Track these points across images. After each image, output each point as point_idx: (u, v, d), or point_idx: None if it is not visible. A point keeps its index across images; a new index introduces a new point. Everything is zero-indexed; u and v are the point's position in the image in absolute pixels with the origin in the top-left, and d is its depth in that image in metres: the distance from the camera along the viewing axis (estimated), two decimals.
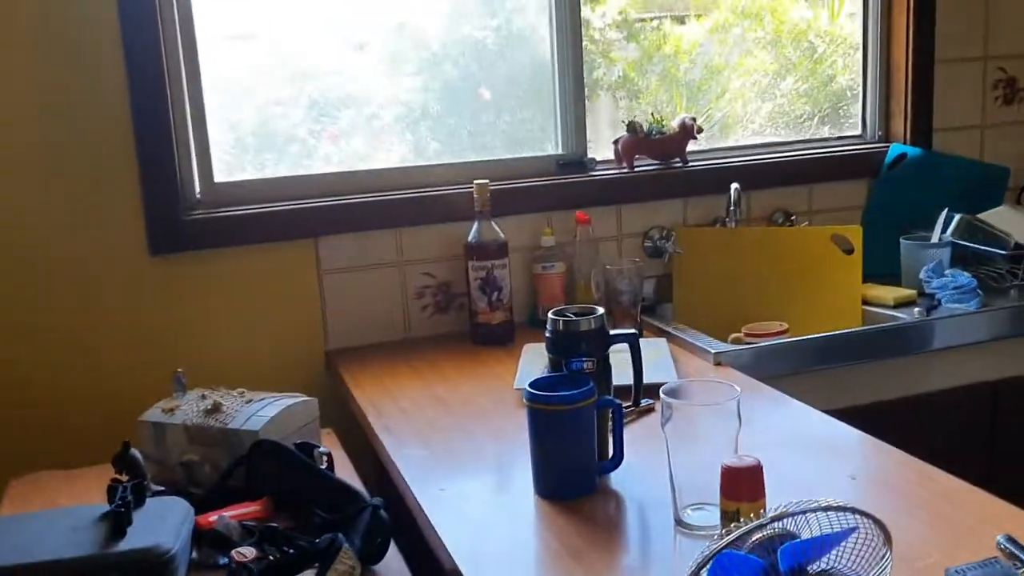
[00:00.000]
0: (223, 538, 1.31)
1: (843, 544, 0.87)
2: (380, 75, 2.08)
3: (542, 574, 1.11)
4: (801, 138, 2.39)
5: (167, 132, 1.84)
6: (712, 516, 1.13)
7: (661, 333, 1.95)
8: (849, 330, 1.93)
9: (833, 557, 0.87)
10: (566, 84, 2.14)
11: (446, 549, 1.16)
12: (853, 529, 0.86)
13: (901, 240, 2.18)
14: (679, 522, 1.16)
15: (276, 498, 1.42)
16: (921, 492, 1.22)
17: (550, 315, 1.34)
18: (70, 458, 1.71)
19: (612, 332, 1.34)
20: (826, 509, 0.85)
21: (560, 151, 2.18)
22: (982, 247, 2.15)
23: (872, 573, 0.89)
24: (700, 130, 2.17)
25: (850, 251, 2.07)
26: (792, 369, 1.81)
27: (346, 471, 1.52)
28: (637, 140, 2.16)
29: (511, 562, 1.13)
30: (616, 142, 2.18)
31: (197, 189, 1.93)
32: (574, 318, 1.32)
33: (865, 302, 2.08)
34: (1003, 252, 2.14)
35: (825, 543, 0.85)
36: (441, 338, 2.03)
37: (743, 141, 2.36)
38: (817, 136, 2.41)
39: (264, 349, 1.95)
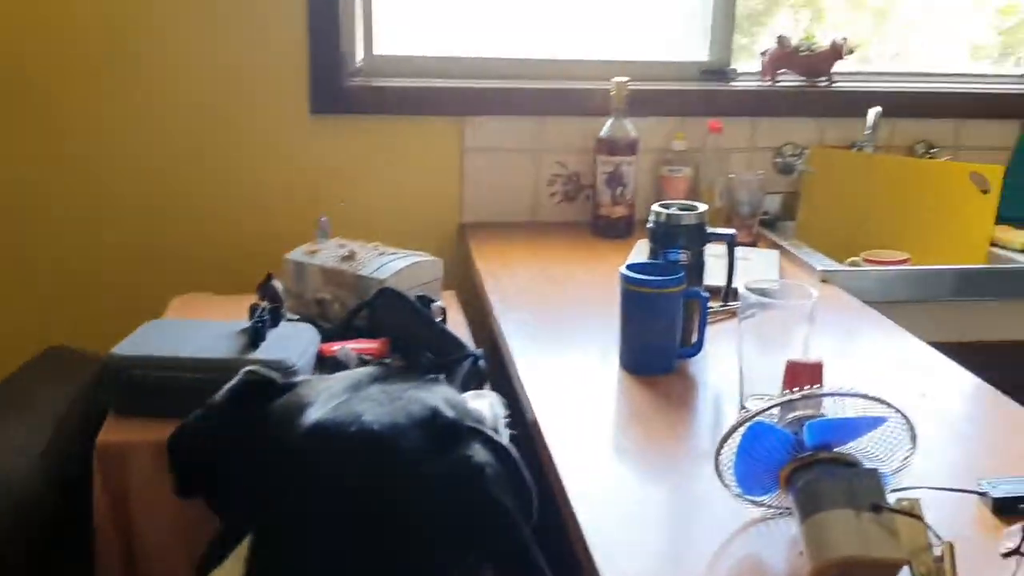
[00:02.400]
0: (341, 365, 1.49)
1: (871, 433, 0.95)
2: None
3: (607, 430, 1.23)
4: (957, 71, 2.33)
5: (335, 1, 1.98)
6: None
7: (775, 247, 2.00)
8: (961, 266, 1.92)
9: (860, 444, 0.95)
10: None
11: (528, 399, 1.30)
12: (882, 420, 0.94)
13: None
14: (742, 407, 1.26)
15: (393, 340, 1.60)
16: (985, 415, 1.27)
17: (654, 207, 1.43)
18: (224, 284, 1.95)
19: (710, 230, 1.42)
20: (857, 395, 0.93)
21: (706, 58, 2.21)
22: None
23: (894, 464, 0.97)
24: (851, 51, 2.16)
25: (987, 190, 2.04)
26: (908, 297, 1.83)
27: (460, 329, 1.68)
28: (784, 54, 2.16)
29: (582, 416, 1.26)
30: (763, 53, 2.20)
31: (359, 58, 2.09)
32: (676, 211, 1.41)
33: (994, 243, 2.06)
34: None
35: (852, 427, 0.93)
36: (565, 225, 2.15)
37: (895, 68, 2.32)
38: (974, 72, 2.34)
39: (405, 212, 2.11)
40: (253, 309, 1.47)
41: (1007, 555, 0.93)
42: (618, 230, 2.05)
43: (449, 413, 0.85)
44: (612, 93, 2.01)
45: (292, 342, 1.45)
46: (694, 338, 1.40)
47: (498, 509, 0.78)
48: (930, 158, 2.24)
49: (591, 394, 1.34)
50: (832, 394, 0.93)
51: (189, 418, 0.87)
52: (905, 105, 2.20)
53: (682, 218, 1.40)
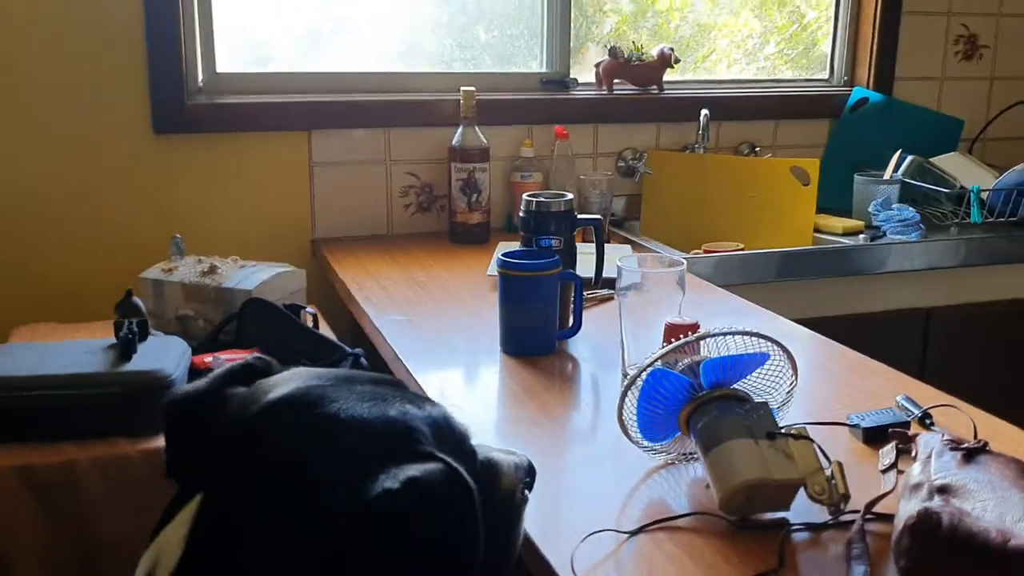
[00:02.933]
0: None
1: (758, 370, 1.02)
2: None
3: (500, 404, 1.26)
4: (771, 78, 2.54)
5: (174, 18, 1.94)
6: None
7: (626, 243, 2.10)
8: (798, 248, 2.09)
9: (749, 381, 1.02)
10: (555, 5, 2.26)
11: (417, 382, 1.31)
12: (766, 356, 1.02)
13: (855, 175, 2.33)
14: (625, 375, 1.32)
15: (265, 350, 1.57)
16: (836, 366, 1.38)
17: (525, 196, 1.48)
18: (70, 313, 1.85)
19: (579, 216, 1.49)
20: (744, 333, 1.00)
21: (544, 69, 2.31)
22: (930, 186, 2.31)
23: (779, 397, 1.05)
24: (677, 60, 2.31)
25: (807, 183, 2.23)
26: (744, 280, 1.97)
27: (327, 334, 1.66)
28: (618, 64, 2.29)
29: (473, 393, 1.28)
30: (598, 65, 2.31)
31: (200, 76, 2.05)
32: (546, 199, 1.46)
33: (817, 230, 2.24)
34: (947, 191, 2.30)
35: (742, 364, 1.00)
36: (421, 236, 2.17)
37: (716, 76, 2.50)
38: (785, 77, 2.56)
39: (255, 230, 2.07)
40: (119, 325, 1.41)
41: (885, 471, 1.02)
42: (476, 236, 2.10)
43: (423, 445, 0.69)
44: (461, 102, 2.06)
45: (165, 354, 1.39)
46: (571, 320, 1.45)
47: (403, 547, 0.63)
48: (754, 156, 2.41)
49: (481, 378, 1.36)
50: (722, 333, 1.00)
51: (185, 390, 0.78)
52: (729, 109, 2.37)
53: (551, 205, 1.46)
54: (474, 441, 0.78)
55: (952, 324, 2.16)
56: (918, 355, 2.16)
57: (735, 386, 1.01)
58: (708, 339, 1.00)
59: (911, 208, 2.21)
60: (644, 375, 1.00)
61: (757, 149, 2.42)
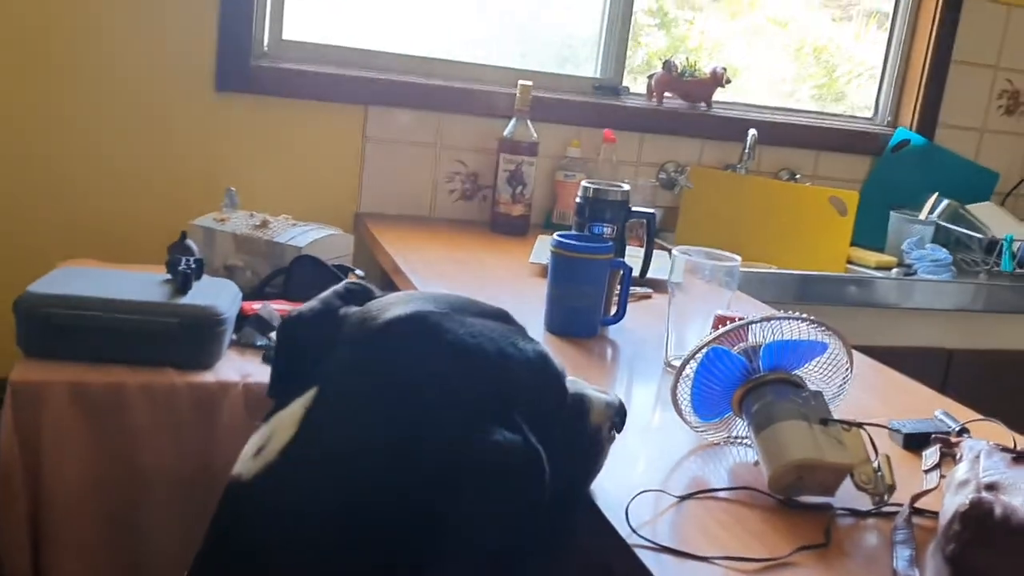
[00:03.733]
0: (264, 322, 1.48)
1: (817, 360, 1.05)
2: None
3: None
4: (818, 109, 2.58)
5: None
6: None
7: (664, 250, 2.13)
8: (832, 273, 2.12)
9: (804, 371, 1.05)
10: (615, 14, 2.30)
11: None
12: (824, 346, 1.04)
13: (891, 212, 2.37)
14: (668, 364, 1.35)
15: None
16: (876, 379, 1.41)
17: (583, 183, 1.51)
18: (116, 255, 1.88)
19: (633, 208, 1.52)
20: (808, 320, 1.03)
21: (599, 75, 2.35)
22: (964, 230, 2.35)
23: (832, 389, 1.07)
24: (728, 80, 2.35)
25: (844, 213, 2.26)
26: (774, 298, 1.99)
27: None
28: (670, 78, 2.33)
29: None
30: (651, 77, 2.35)
31: (266, 41, 2.09)
32: (603, 187, 1.49)
33: (849, 262, 2.27)
34: (980, 237, 2.34)
35: (800, 351, 1.03)
36: (461, 223, 2.20)
37: (767, 102, 2.55)
38: (831, 111, 2.60)
39: (302, 196, 2.10)
40: (175, 260, 1.44)
41: (928, 470, 1.04)
42: (516, 228, 2.13)
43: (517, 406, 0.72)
44: (517, 95, 2.09)
45: (218, 293, 1.42)
46: (615, 308, 1.48)
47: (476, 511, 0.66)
48: (794, 183, 2.45)
49: None
50: (787, 317, 1.02)
51: (302, 310, 0.80)
52: (773, 134, 2.41)
53: (608, 193, 1.49)
54: (570, 377, 0.82)
55: (974, 367, 2.19)
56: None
57: (792, 372, 1.03)
58: (766, 324, 1.02)
59: (944, 249, 2.25)
60: (704, 351, 1.02)
61: (797, 176, 2.46)
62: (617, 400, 0.88)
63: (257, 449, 0.70)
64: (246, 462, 0.70)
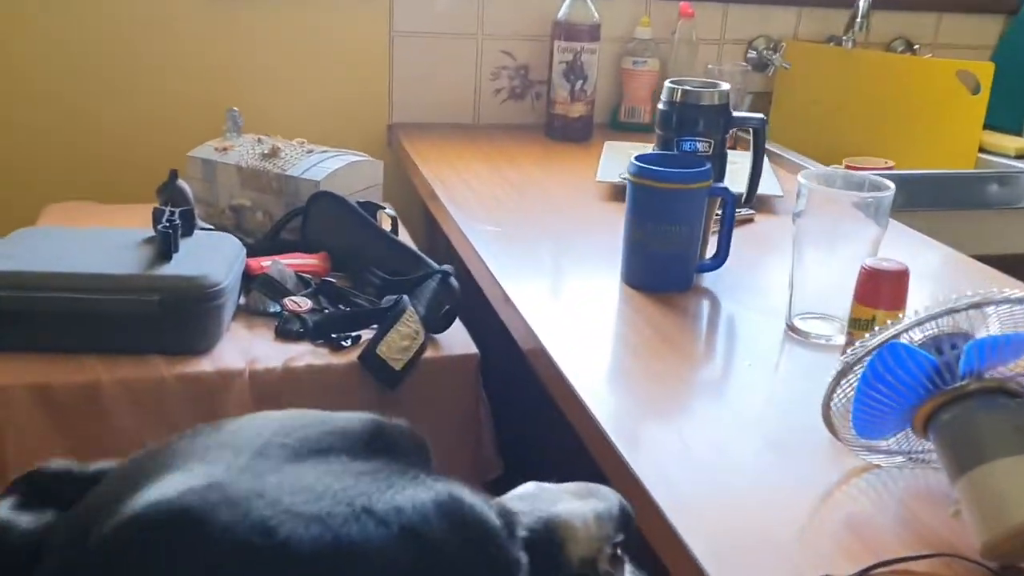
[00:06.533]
0: (275, 284, 1.19)
1: None
2: None
3: (625, 352, 0.98)
4: None
5: None
6: (829, 327, 1.00)
7: None
8: (962, 171, 1.75)
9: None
10: None
11: (526, 324, 1.03)
12: None
13: None
14: (791, 327, 1.03)
15: (334, 256, 1.30)
16: None
17: (667, 83, 1.16)
18: (109, 193, 1.60)
19: (736, 114, 1.17)
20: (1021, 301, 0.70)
21: None
22: None
23: None
24: None
25: (976, 91, 1.86)
26: (897, 207, 1.64)
27: (407, 242, 1.39)
28: None
29: (598, 342, 1.00)
30: None
31: None
32: (695, 88, 1.14)
33: (982, 150, 1.89)
34: None
35: (1015, 345, 0.70)
36: (512, 128, 1.87)
37: None
38: None
39: (322, 110, 1.79)
40: (158, 214, 1.14)
41: None
42: (577, 133, 1.79)
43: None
44: None
45: (213, 254, 1.13)
46: (714, 249, 1.15)
47: None
48: (910, 55, 2.04)
49: (599, 315, 1.07)
50: (1001, 301, 0.69)
51: None
52: None
53: (703, 96, 1.14)
54: (531, 488, 0.49)
55: None
56: None
57: (997, 372, 0.71)
58: (996, 308, 0.69)
59: None
60: (873, 351, 0.70)
61: (916, 47, 2.05)
62: (615, 507, 0.51)
63: None
64: None
